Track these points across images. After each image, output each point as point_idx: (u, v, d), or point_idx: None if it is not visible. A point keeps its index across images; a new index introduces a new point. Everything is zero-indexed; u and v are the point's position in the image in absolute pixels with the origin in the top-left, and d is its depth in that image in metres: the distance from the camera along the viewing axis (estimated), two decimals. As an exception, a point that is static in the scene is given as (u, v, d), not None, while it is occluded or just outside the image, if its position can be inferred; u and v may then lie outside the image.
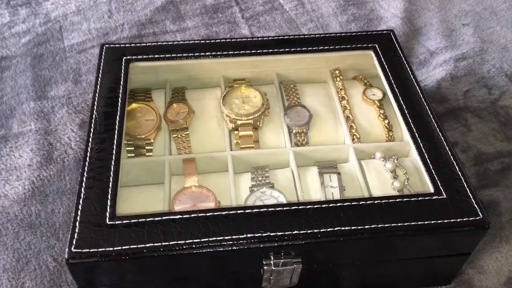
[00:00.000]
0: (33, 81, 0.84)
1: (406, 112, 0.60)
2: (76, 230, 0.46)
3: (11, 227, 0.64)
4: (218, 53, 0.67)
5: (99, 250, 0.45)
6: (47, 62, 0.88)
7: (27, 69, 0.86)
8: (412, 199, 0.50)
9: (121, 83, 0.62)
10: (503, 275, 0.59)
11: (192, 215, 0.48)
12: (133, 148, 0.61)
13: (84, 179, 0.51)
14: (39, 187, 0.68)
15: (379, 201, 0.50)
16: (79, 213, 0.48)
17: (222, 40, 0.68)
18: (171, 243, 0.46)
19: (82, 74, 0.85)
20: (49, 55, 0.89)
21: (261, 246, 0.47)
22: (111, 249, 0.45)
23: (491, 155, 0.72)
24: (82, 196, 0.49)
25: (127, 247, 0.45)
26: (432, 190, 0.52)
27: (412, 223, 0.48)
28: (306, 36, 0.70)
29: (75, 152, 0.73)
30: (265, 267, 0.49)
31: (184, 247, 0.46)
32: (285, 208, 0.49)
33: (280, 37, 0.69)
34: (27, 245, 0.62)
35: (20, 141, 0.74)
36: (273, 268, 0.49)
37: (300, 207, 0.49)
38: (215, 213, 0.48)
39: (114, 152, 0.53)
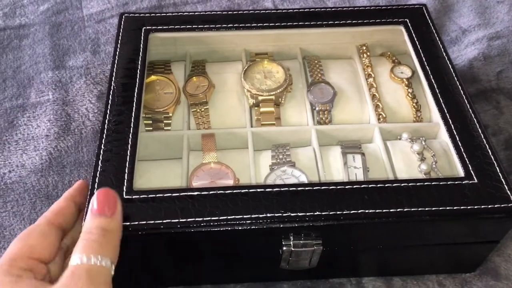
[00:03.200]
0: (51, 50, 0.83)
1: (437, 91, 0.57)
2: (93, 204, 0.45)
3: (28, 197, 0.64)
4: (240, 25, 0.64)
5: (115, 224, 0.44)
6: (66, 31, 0.86)
7: (45, 37, 0.85)
8: (441, 183, 0.48)
9: (140, 54, 0.60)
10: (531, 265, 0.57)
11: (211, 192, 0.47)
12: (151, 122, 0.59)
13: (101, 151, 0.49)
14: (56, 158, 0.68)
15: (405, 184, 0.48)
16: (95, 186, 0.47)
17: (244, 12, 0.66)
18: (188, 220, 0.45)
19: (101, 45, 0.84)
20: (68, 24, 0.88)
21: (281, 226, 0.45)
22: (128, 223, 0.44)
23: (523, 139, 0.69)
24: (99, 169, 0.48)
25: (144, 222, 0.44)
26: (462, 174, 0.49)
27: (440, 208, 0.46)
28: (332, 9, 0.67)
29: (93, 123, 0.72)
30: (284, 248, 0.47)
31: (202, 224, 0.44)
32: (306, 188, 0.47)
33: (305, 10, 0.66)
34: None
35: (37, 111, 0.74)
36: (293, 249, 0.47)
37: (322, 188, 0.47)
38: (234, 191, 0.47)
39: (132, 125, 0.52)
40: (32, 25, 0.88)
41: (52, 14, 0.89)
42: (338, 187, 0.48)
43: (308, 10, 0.66)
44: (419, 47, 0.62)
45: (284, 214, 0.45)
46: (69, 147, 0.69)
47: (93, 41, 0.85)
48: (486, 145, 0.51)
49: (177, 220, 0.44)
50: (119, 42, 0.61)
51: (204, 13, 0.65)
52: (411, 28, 0.64)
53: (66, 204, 0.45)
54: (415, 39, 0.62)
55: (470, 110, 0.55)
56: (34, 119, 0.73)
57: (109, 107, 0.54)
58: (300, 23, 0.65)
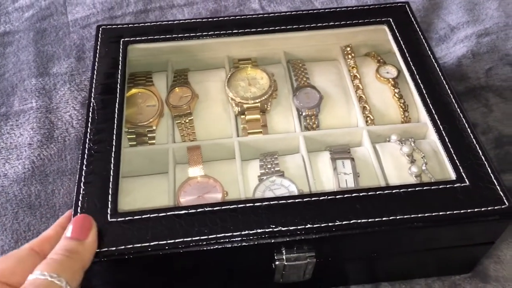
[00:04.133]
0: (35, 57, 0.81)
1: (423, 91, 0.56)
2: (77, 229, 0.44)
3: (10, 207, 0.62)
4: (221, 32, 0.62)
5: (101, 250, 0.42)
6: (50, 38, 0.85)
7: (30, 44, 0.83)
8: (432, 187, 0.47)
9: (120, 67, 0.58)
10: (521, 265, 0.56)
11: (199, 210, 0.45)
12: (134, 136, 0.58)
13: (83, 173, 0.48)
14: (39, 167, 0.66)
15: (397, 190, 0.47)
16: (78, 210, 0.45)
17: (225, 18, 0.64)
18: (176, 240, 0.43)
19: (86, 51, 0.82)
20: (52, 30, 0.86)
21: (272, 241, 0.44)
22: (113, 248, 0.42)
23: (513, 137, 0.68)
24: (81, 192, 0.46)
25: (130, 246, 0.43)
26: (453, 177, 0.49)
27: (433, 214, 0.45)
28: (315, 11, 0.65)
29: (77, 131, 0.70)
30: (277, 263, 0.46)
31: (191, 244, 0.43)
32: (296, 200, 0.46)
33: (287, 13, 0.65)
34: (26, 226, 0.61)
35: (21, 119, 0.72)
36: (285, 263, 0.46)
37: (312, 199, 0.46)
38: (222, 207, 0.46)
39: (114, 144, 0.50)
40: (16, 32, 0.86)
41: (36, 21, 0.87)
42: (329, 197, 0.46)
43: (290, 13, 0.65)
44: (403, 46, 0.61)
45: (275, 229, 0.44)
46: (52, 155, 0.68)
47: (77, 47, 0.83)
48: (476, 145, 0.50)
49: (165, 242, 0.43)
50: (97, 56, 0.59)
51: (183, 21, 0.64)
52: (394, 27, 0.63)
53: (54, 232, 0.44)
54: (399, 38, 0.61)
55: (458, 110, 0.54)
56: (17, 128, 0.71)
57: (89, 125, 0.52)
58: (282, 27, 0.63)
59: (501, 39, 0.81)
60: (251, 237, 0.44)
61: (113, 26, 0.63)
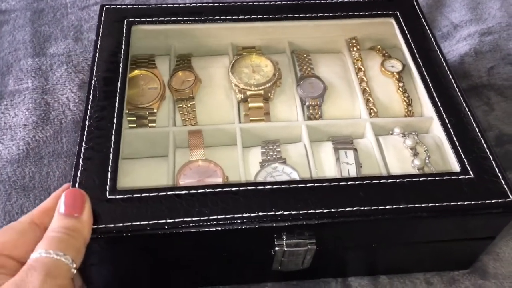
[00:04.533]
0: (32, 37, 0.80)
1: (430, 85, 0.56)
2: (74, 205, 0.43)
3: (3, 188, 0.61)
4: (227, 17, 0.62)
5: (99, 226, 0.41)
6: (48, 18, 0.83)
7: (26, 24, 0.82)
8: (436, 178, 0.47)
9: (123, 47, 0.57)
10: (519, 264, 0.56)
11: (199, 191, 0.44)
12: (135, 118, 0.57)
13: (82, 149, 0.47)
14: (34, 148, 0.65)
15: (401, 179, 0.46)
16: (76, 186, 0.44)
17: (231, 4, 0.63)
18: (176, 220, 0.42)
19: (84, 32, 0.81)
20: (50, 10, 0.84)
21: (274, 225, 0.43)
22: (112, 225, 0.41)
23: (513, 136, 0.68)
24: (80, 168, 0.45)
25: (129, 223, 0.42)
26: (457, 169, 0.48)
27: (437, 204, 0.44)
28: (322, 1, 0.65)
29: (73, 113, 0.69)
30: (276, 248, 0.45)
31: (191, 225, 0.42)
32: (299, 185, 0.46)
33: (294, 2, 0.64)
34: (19, 208, 0.59)
35: (16, 99, 0.70)
36: (285, 248, 0.45)
37: (315, 184, 0.46)
38: (224, 189, 0.45)
39: (115, 122, 0.49)
40: (13, 11, 0.84)
41: (34, 0, 0.86)
42: (332, 184, 0.46)
43: (296, 2, 0.65)
44: (410, 40, 0.60)
45: (276, 213, 0.43)
46: (48, 137, 0.66)
47: (75, 28, 0.81)
48: (481, 139, 0.50)
49: (164, 221, 0.42)
50: (100, 34, 0.58)
51: (189, 4, 0.63)
52: (401, 21, 0.62)
53: (52, 204, 0.43)
54: (406, 32, 0.61)
55: (464, 104, 0.53)
56: (12, 108, 0.69)
57: (90, 102, 0.51)
58: (288, 16, 0.63)
59: (503, 39, 0.82)
60: (252, 220, 0.43)
61: (117, 7, 0.62)
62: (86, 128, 0.48)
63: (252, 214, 0.43)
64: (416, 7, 0.64)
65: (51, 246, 0.37)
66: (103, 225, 0.41)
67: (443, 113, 0.53)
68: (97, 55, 0.56)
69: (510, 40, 0.81)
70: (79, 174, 0.45)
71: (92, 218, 0.41)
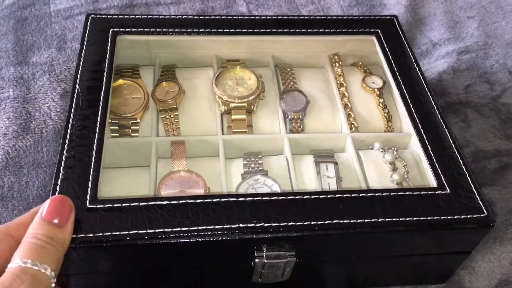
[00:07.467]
0: (14, 45, 0.79)
1: (409, 101, 0.57)
2: (53, 213, 0.42)
3: None
4: (212, 30, 0.62)
5: (78, 236, 0.41)
6: (31, 27, 0.82)
7: (9, 32, 0.81)
8: (414, 193, 0.48)
9: (107, 57, 0.57)
10: (495, 278, 0.57)
11: (181, 201, 0.45)
12: (117, 128, 0.56)
13: (63, 158, 0.46)
14: (14, 158, 0.64)
15: (380, 193, 0.47)
16: (56, 194, 0.43)
17: (217, 17, 0.64)
18: (157, 230, 0.42)
19: (67, 41, 0.80)
20: (34, 19, 0.84)
21: (254, 237, 0.44)
22: (91, 235, 0.41)
23: (489, 153, 0.70)
24: (60, 176, 0.45)
25: (109, 233, 0.41)
26: (434, 184, 0.49)
27: (414, 219, 0.45)
28: (306, 18, 0.66)
29: (55, 123, 0.68)
30: (256, 260, 0.45)
31: (172, 235, 0.42)
32: (280, 198, 0.46)
33: (278, 17, 0.66)
34: None
35: None
36: (265, 260, 0.45)
37: (296, 197, 0.46)
38: (205, 200, 0.45)
39: (97, 131, 0.49)
40: None
41: (17, 9, 0.85)
42: (312, 196, 0.46)
43: (281, 17, 0.66)
44: (390, 58, 0.62)
45: (257, 225, 0.43)
46: (28, 147, 0.65)
47: (59, 37, 0.81)
48: (458, 155, 0.51)
49: (144, 231, 0.42)
50: (85, 43, 0.58)
51: (175, 16, 0.63)
52: (382, 39, 0.64)
53: (30, 219, 0.42)
54: (387, 50, 0.63)
55: (441, 121, 0.55)
56: None
57: (73, 110, 0.51)
58: (273, 30, 0.64)
59: (480, 57, 0.84)
60: (232, 232, 0.43)
61: (103, 16, 0.62)
62: (68, 137, 0.48)
63: (233, 226, 0.43)
64: (397, 25, 0.66)
65: (33, 255, 0.36)
66: (83, 235, 0.41)
67: (421, 130, 0.54)
68: (81, 64, 0.56)
69: (487, 59, 0.84)
70: (59, 183, 0.44)
71: (73, 227, 0.40)
